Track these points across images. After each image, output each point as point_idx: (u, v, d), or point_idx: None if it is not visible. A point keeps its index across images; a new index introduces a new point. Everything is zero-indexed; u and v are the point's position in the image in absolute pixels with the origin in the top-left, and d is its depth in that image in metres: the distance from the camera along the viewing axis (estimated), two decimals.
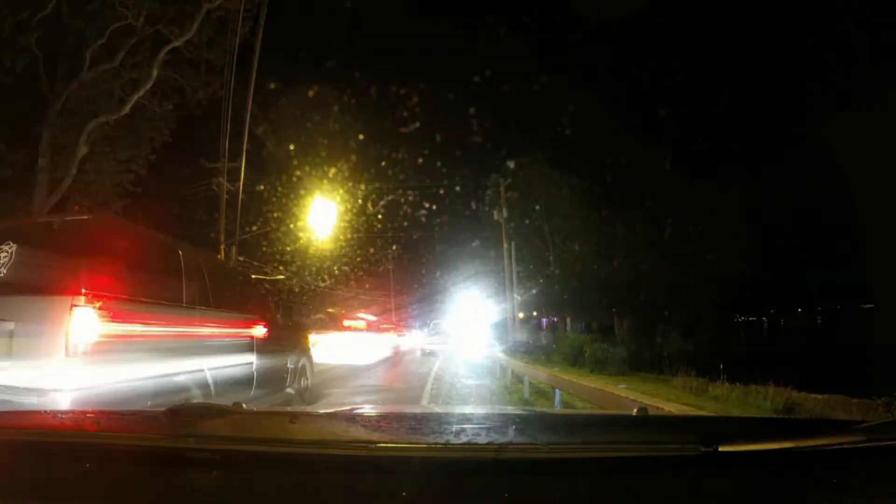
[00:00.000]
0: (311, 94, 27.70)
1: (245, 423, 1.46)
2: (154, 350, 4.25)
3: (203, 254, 6.02)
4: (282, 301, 29.94)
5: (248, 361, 5.80)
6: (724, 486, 1.11)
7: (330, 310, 30.39)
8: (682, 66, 45.96)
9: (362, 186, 29.68)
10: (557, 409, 6.91)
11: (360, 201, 30.13)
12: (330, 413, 1.61)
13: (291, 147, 28.25)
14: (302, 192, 27.32)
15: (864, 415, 6.68)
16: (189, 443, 1.25)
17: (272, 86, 25.58)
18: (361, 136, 29.09)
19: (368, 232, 34.74)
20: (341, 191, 28.19)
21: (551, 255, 33.47)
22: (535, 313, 47.89)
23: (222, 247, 22.06)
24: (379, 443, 1.24)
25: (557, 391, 7.92)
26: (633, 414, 1.87)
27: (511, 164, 31.15)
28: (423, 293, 60.89)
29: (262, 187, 26.96)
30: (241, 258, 23.72)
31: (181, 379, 4.48)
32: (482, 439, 1.27)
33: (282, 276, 26.56)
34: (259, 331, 6.12)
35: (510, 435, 1.37)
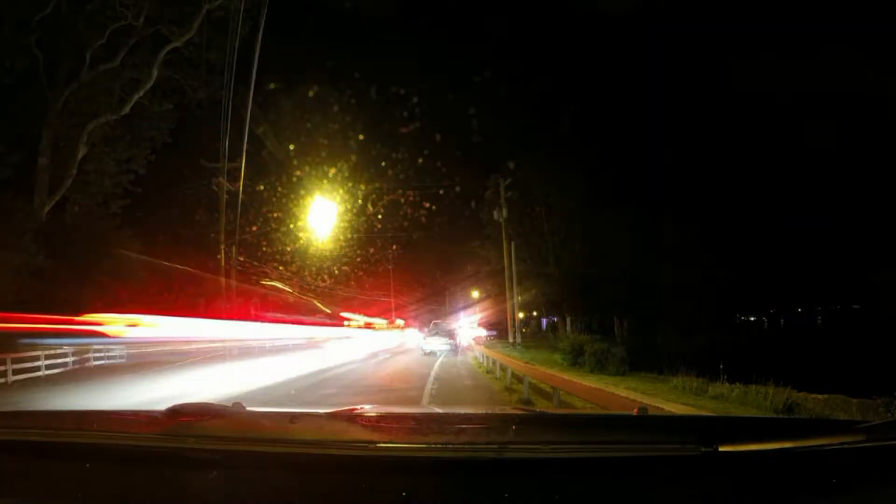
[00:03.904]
0: (311, 94, 27.70)
1: (245, 423, 1.46)
2: None
3: None
4: (282, 301, 29.93)
5: None
6: (724, 486, 1.11)
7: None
8: (685, 63, 45.92)
9: (362, 186, 29.69)
10: (557, 409, 6.90)
11: (360, 201, 30.15)
12: (330, 413, 1.61)
13: (291, 147, 28.26)
14: (302, 192, 27.33)
15: (864, 415, 6.67)
16: (189, 443, 1.25)
17: (272, 86, 25.62)
18: (361, 137, 29.09)
19: (368, 232, 34.75)
20: (341, 191, 28.22)
21: (551, 255, 33.43)
22: (535, 313, 47.92)
23: (222, 247, 22.06)
24: (379, 443, 1.24)
25: (557, 391, 7.92)
26: (633, 414, 1.86)
27: (511, 165, 31.08)
28: (424, 293, 61.04)
29: (262, 187, 26.97)
30: (242, 258, 23.73)
31: None
32: (482, 439, 1.27)
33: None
34: None
35: (510, 435, 1.36)
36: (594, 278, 29.07)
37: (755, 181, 35.64)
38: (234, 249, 22.56)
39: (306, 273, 30.66)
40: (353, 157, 29.02)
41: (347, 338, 32.31)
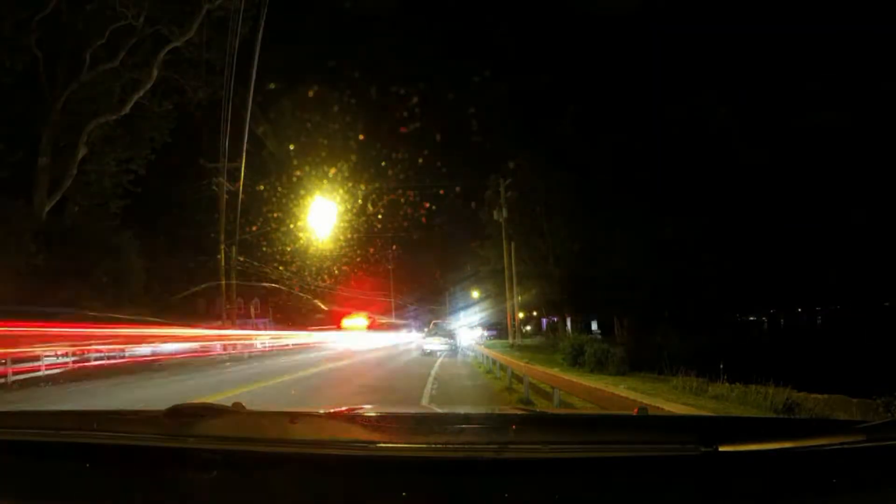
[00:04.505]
0: (311, 94, 27.74)
1: (245, 423, 1.46)
2: None
3: None
4: (281, 301, 29.90)
5: None
6: (724, 486, 1.11)
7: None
8: (686, 61, 45.92)
9: (362, 186, 29.73)
10: (557, 409, 6.90)
11: (360, 201, 30.19)
12: (330, 413, 1.61)
13: (291, 147, 28.32)
14: (302, 192, 27.37)
15: (864, 415, 6.67)
16: (189, 443, 1.25)
17: (272, 86, 25.65)
18: (361, 137, 29.13)
19: (368, 232, 34.78)
20: (341, 191, 28.26)
21: (551, 255, 33.42)
22: (535, 313, 47.93)
23: (222, 247, 22.06)
24: (379, 443, 1.24)
25: (557, 391, 7.91)
26: (633, 414, 1.86)
27: (511, 164, 31.09)
28: (423, 293, 61.08)
29: (262, 187, 27.00)
30: (242, 258, 23.72)
31: None
32: (482, 439, 1.27)
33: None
34: None
35: (510, 435, 1.36)
36: (594, 278, 29.05)
37: (756, 181, 35.60)
38: (234, 249, 22.56)
39: (306, 273, 30.66)
40: (353, 157, 29.07)
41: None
